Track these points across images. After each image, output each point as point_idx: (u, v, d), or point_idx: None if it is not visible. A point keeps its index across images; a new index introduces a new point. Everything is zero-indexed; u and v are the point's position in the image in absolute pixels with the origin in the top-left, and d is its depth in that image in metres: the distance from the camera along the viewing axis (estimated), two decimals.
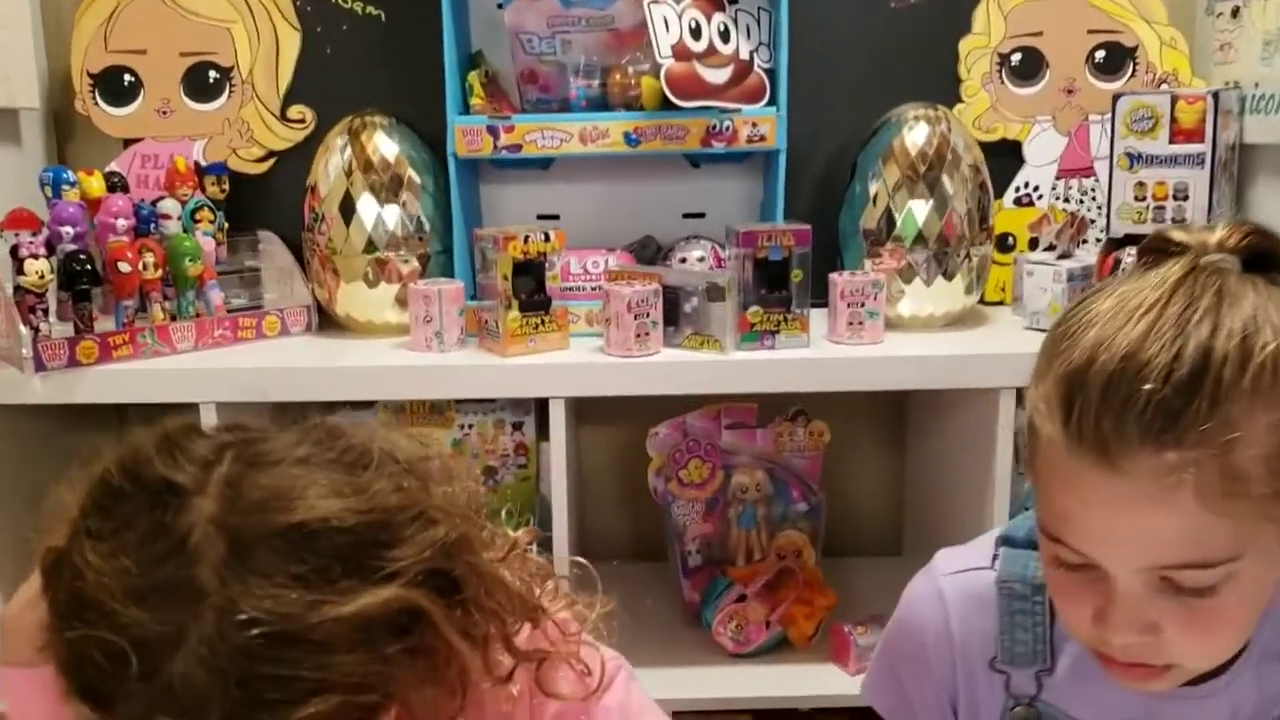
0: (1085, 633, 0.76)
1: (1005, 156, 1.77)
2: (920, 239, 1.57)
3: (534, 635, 0.85)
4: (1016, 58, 1.77)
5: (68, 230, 1.48)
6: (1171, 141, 1.46)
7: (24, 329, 1.42)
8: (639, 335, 1.49)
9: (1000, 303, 1.77)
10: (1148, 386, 0.67)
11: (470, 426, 1.77)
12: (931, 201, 1.57)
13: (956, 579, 0.93)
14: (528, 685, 0.85)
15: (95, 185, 1.60)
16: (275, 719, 0.62)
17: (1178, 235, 0.75)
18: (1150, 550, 0.70)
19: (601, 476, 1.96)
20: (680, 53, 1.52)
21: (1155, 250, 0.76)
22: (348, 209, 1.61)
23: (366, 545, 0.67)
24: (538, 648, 0.85)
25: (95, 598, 0.63)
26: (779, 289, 1.51)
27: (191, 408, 1.46)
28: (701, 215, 1.79)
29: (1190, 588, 0.70)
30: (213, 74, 1.78)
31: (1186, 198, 1.46)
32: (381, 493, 0.70)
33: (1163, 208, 1.48)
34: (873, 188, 1.60)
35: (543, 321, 1.53)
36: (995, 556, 0.91)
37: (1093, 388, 0.69)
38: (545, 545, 1.60)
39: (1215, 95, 1.43)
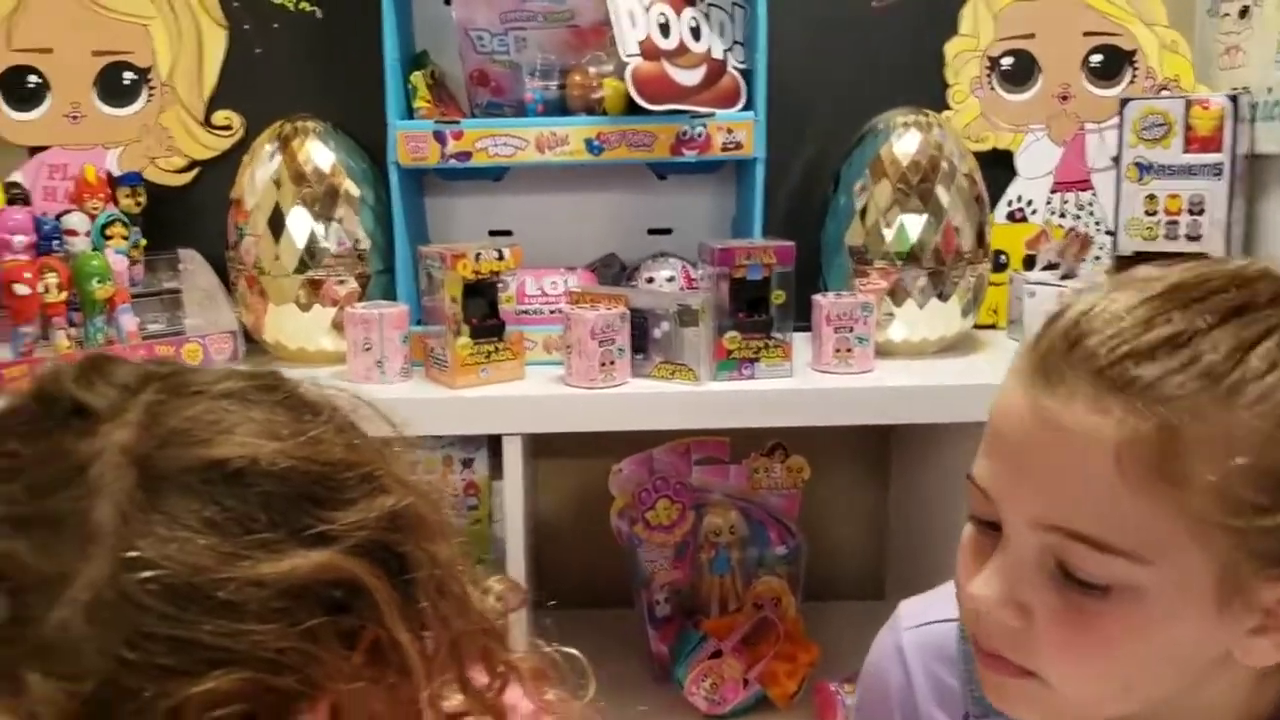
0: (965, 596, 0.67)
1: (996, 168, 1.64)
2: (913, 257, 1.43)
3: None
4: (1007, 61, 1.65)
5: None
6: (1186, 150, 1.34)
7: None
8: (604, 364, 1.34)
9: (992, 326, 1.64)
10: (1121, 324, 0.60)
11: (415, 464, 1.60)
12: (926, 215, 1.43)
13: (918, 633, 0.83)
14: None
15: None
16: (164, 690, 0.50)
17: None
18: (1050, 500, 0.61)
19: (558, 515, 1.80)
20: (648, 51, 1.37)
21: None
22: (277, 224, 1.45)
23: (300, 499, 0.57)
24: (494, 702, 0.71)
25: None
26: (758, 312, 1.37)
27: None
28: (668, 231, 1.65)
29: (1080, 578, 0.60)
30: (128, 75, 1.61)
31: (1202, 212, 1.34)
32: (326, 443, 0.60)
33: (1175, 222, 1.36)
34: (859, 201, 1.46)
35: (496, 349, 1.37)
36: None
37: (1070, 316, 0.63)
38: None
39: (1234, 99, 1.31)
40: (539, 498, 1.77)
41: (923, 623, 0.83)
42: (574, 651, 0.81)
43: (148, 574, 0.51)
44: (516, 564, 1.39)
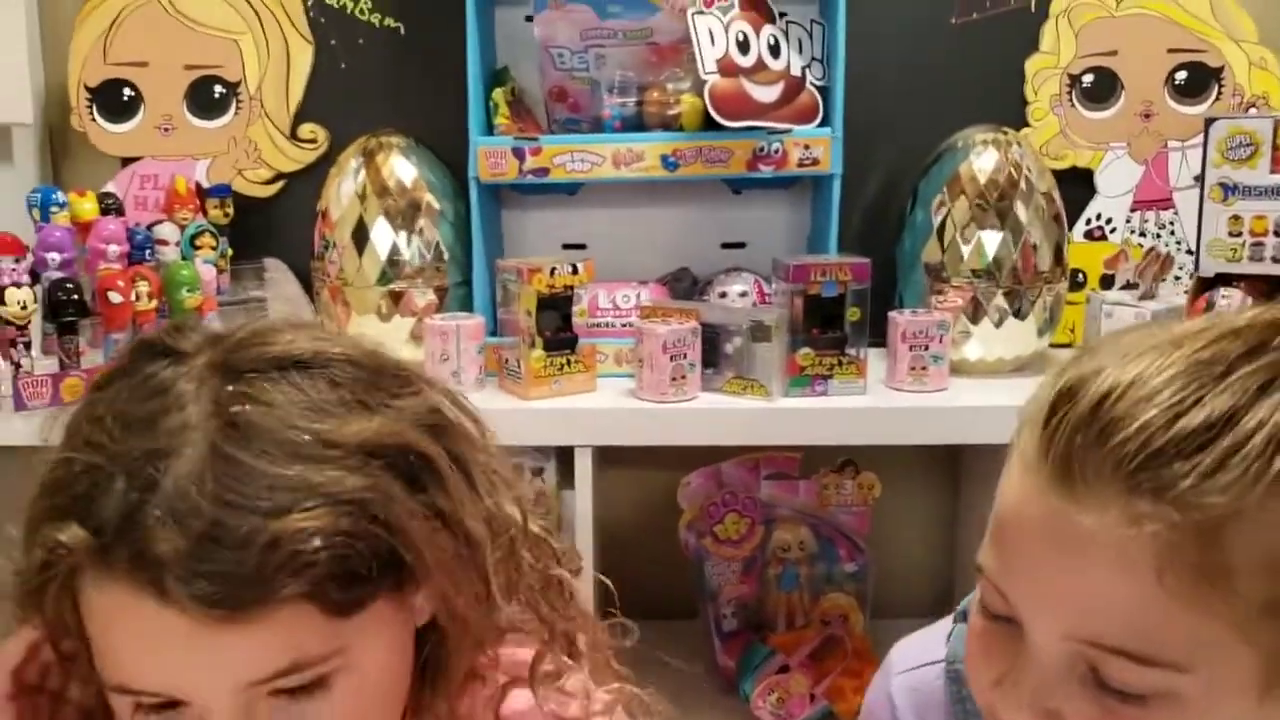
0: (984, 695, 0.63)
1: (1075, 186, 1.62)
2: (990, 274, 1.43)
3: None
4: (1088, 79, 1.63)
5: (54, 256, 1.35)
6: (1273, 171, 1.31)
7: (2, 364, 1.30)
8: (675, 379, 1.35)
9: (1069, 345, 1.62)
10: (1147, 415, 0.54)
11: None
12: (1003, 233, 1.42)
13: (908, 678, 0.81)
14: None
15: (87, 207, 1.47)
16: (262, 526, 0.60)
17: None
18: (1084, 617, 0.56)
19: (625, 525, 1.80)
20: (726, 68, 1.38)
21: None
22: (361, 236, 1.48)
23: (362, 382, 0.67)
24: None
25: (88, 437, 0.63)
26: (833, 328, 1.37)
27: None
28: (742, 245, 1.65)
29: (1117, 688, 0.56)
30: (218, 89, 1.66)
31: None
32: (379, 352, 0.71)
33: (1261, 244, 1.33)
34: (937, 217, 1.46)
35: (568, 362, 1.39)
36: (950, 636, 0.78)
37: (1086, 396, 0.56)
38: None
39: None
40: (607, 507, 1.78)
41: (912, 667, 0.81)
42: (629, 623, 0.84)
43: (240, 431, 0.61)
44: (585, 573, 1.40)
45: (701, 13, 1.37)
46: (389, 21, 1.65)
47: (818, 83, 1.47)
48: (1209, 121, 1.35)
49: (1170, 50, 1.62)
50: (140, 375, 0.65)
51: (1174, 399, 0.55)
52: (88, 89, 1.65)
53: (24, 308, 1.30)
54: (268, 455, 0.61)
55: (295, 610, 0.60)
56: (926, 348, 1.37)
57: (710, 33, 1.37)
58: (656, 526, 1.72)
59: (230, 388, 0.63)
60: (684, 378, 1.35)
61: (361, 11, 1.65)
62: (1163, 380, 0.55)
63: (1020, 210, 1.43)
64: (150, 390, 0.63)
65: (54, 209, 1.43)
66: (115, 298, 1.35)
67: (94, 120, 1.65)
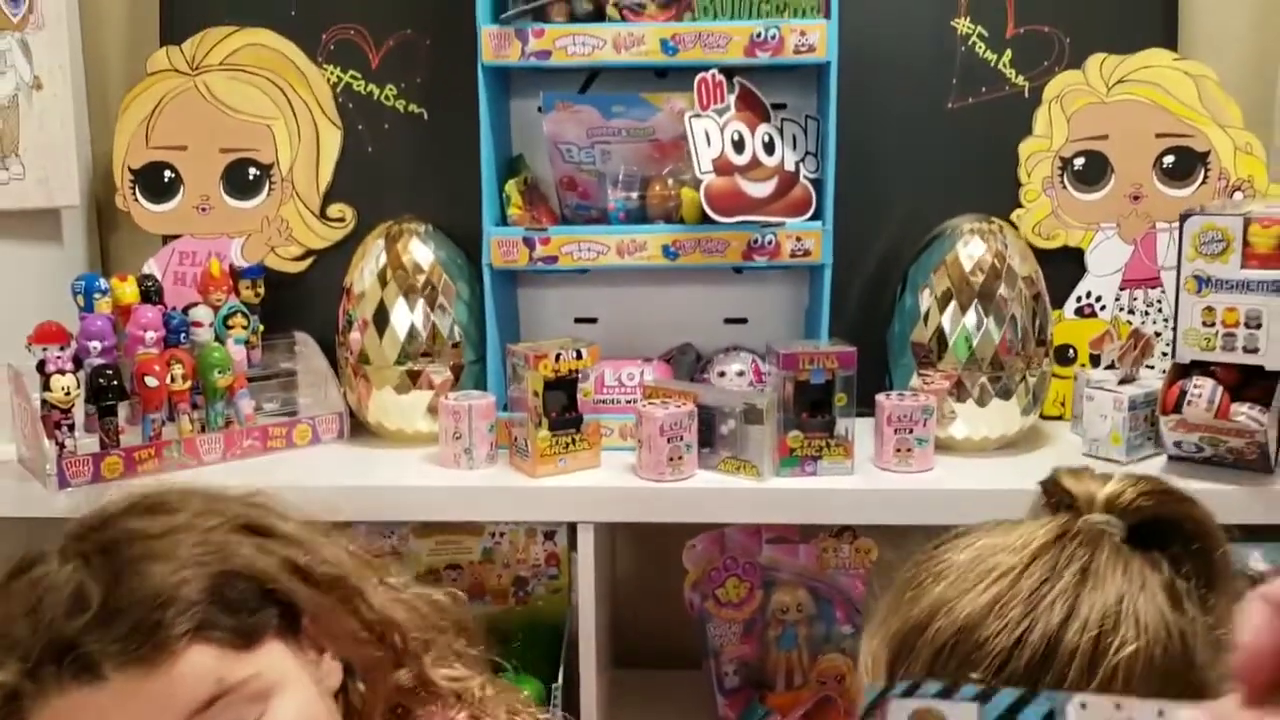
0: None
1: (1066, 264, 1.69)
2: (974, 358, 1.50)
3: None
4: (1079, 162, 1.69)
5: (95, 344, 1.46)
6: (1244, 266, 1.37)
7: (48, 445, 1.41)
8: (672, 459, 1.43)
9: (1059, 418, 1.68)
10: (975, 675, 0.60)
11: (501, 535, 1.71)
12: (987, 319, 1.49)
13: None
14: None
15: (129, 292, 1.57)
16: (144, 584, 0.74)
17: (1068, 482, 0.67)
18: None
19: (636, 580, 1.89)
20: (721, 167, 1.46)
21: (1047, 493, 0.68)
22: (381, 317, 1.58)
23: (183, 496, 0.84)
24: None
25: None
26: (821, 413, 1.44)
27: None
28: (744, 321, 1.73)
29: None
30: (253, 171, 1.76)
31: (1259, 326, 1.37)
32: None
33: (1233, 335, 1.39)
34: (924, 302, 1.53)
35: (574, 440, 1.48)
36: None
37: (919, 658, 0.63)
38: (572, 655, 1.53)
39: None
40: (619, 561, 1.86)
41: None
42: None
43: (102, 546, 0.77)
44: (588, 635, 1.48)
45: (698, 115, 1.45)
46: (413, 108, 1.75)
47: (811, 176, 1.54)
48: (1184, 217, 1.41)
49: (1159, 135, 1.67)
50: (11, 588, 0.78)
51: (999, 646, 0.60)
52: (131, 170, 1.76)
53: (68, 394, 1.40)
54: (129, 546, 0.76)
55: (199, 646, 0.75)
56: (911, 430, 1.44)
57: (706, 134, 1.45)
58: (667, 578, 1.80)
59: (82, 540, 0.78)
60: (681, 458, 1.44)
61: (387, 98, 1.75)
62: (986, 628, 0.61)
63: (1002, 296, 1.50)
64: (20, 583, 0.78)
65: (97, 296, 1.53)
66: (151, 381, 1.46)
67: (136, 200, 1.76)
